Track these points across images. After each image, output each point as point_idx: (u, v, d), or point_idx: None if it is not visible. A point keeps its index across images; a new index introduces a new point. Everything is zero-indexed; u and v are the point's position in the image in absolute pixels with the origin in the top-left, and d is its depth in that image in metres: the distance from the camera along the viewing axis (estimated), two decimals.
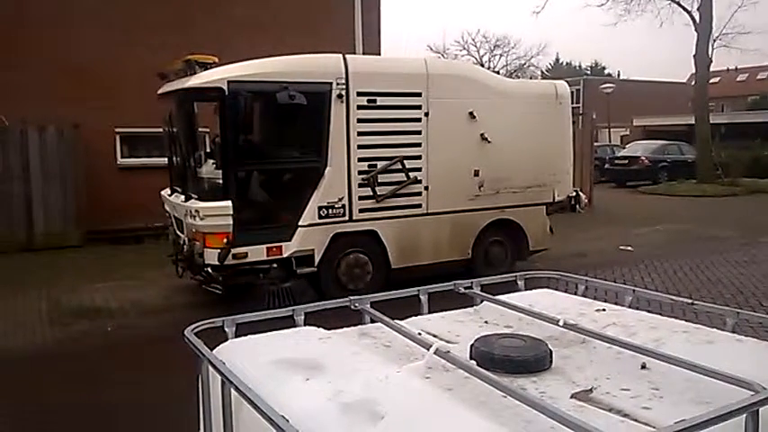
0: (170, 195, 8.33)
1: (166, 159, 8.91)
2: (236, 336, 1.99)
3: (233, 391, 1.50)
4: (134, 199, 10.93)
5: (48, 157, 11.57)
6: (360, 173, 7.78)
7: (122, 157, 12.98)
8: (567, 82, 9.93)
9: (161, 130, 8.74)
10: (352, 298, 2.20)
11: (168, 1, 12.46)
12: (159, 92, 8.18)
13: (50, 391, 5.40)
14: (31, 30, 11.46)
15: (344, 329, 2.06)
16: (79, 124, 11.57)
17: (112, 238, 11.62)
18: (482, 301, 2.33)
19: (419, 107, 8.13)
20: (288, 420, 1.27)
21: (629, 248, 11.37)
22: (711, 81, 27.59)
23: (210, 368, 1.64)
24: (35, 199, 11.50)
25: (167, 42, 10.51)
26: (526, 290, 2.58)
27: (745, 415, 1.27)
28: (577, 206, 9.86)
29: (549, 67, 57.25)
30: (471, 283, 2.45)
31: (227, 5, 12.79)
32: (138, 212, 10.92)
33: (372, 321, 2.09)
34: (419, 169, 8.16)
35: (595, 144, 21.03)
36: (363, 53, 12.39)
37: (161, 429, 4.19)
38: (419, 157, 8.16)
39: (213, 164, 7.86)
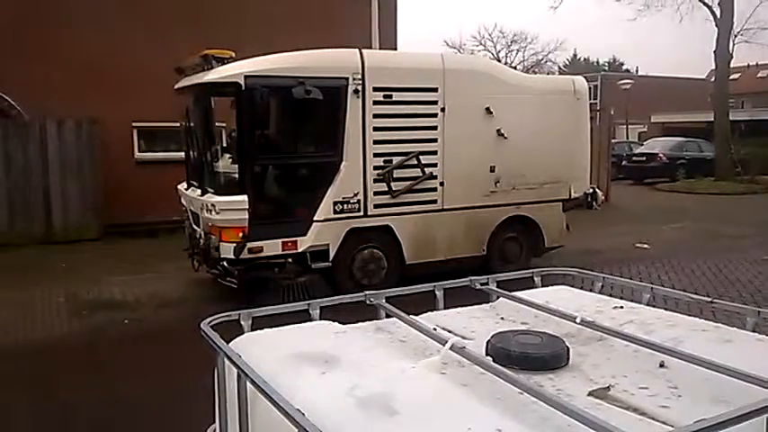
0: (186, 189, 8.38)
1: (183, 154, 8.96)
2: (252, 329, 2.00)
3: (249, 384, 1.50)
4: (151, 193, 11.02)
5: (66, 151, 11.70)
6: (375, 168, 7.78)
7: (140, 152, 13.07)
8: (584, 77, 9.85)
9: (178, 124, 8.80)
10: (367, 293, 2.21)
11: None
12: (176, 86, 8.22)
13: (69, 384, 5.46)
14: (49, 25, 11.57)
15: (360, 324, 2.06)
16: (97, 118, 11.67)
17: (130, 232, 11.72)
18: (498, 298, 2.33)
19: (435, 102, 8.10)
20: (304, 414, 1.27)
21: (646, 246, 11.27)
22: (731, 77, 27.24)
23: (227, 361, 1.65)
24: (53, 192, 11.63)
25: (185, 37, 10.57)
26: (543, 286, 2.57)
27: (766, 415, 1.25)
28: (594, 203, 9.83)
29: (567, 62, 56.84)
30: (487, 279, 2.44)
31: (245, 1, 12.82)
32: (155, 206, 11.00)
33: (388, 316, 2.09)
34: (435, 165, 8.13)
35: (613, 141, 20.87)
36: (380, 48, 12.37)
37: (176, 422, 4.22)
38: (435, 153, 8.14)
39: (230, 158, 7.90)
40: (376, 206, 7.84)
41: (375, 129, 7.73)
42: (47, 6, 11.67)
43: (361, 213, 7.76)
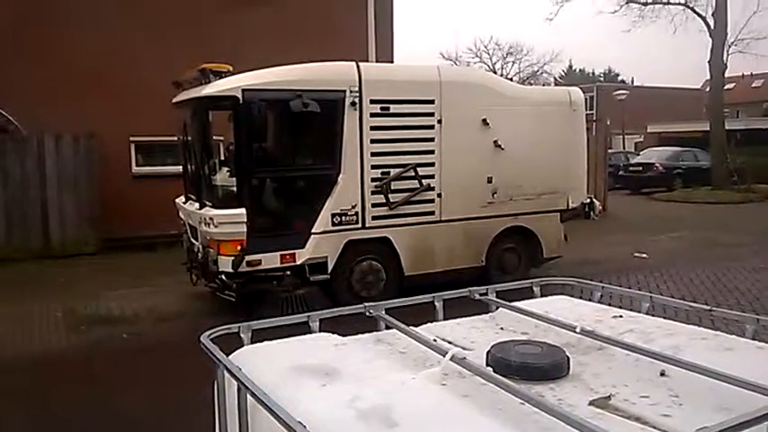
0: (184, 203, 8.38)
1: (181, 167, 8.97)
2: (252, 342, 2.00)
3: (249, 396, 1.50)
4: (149, 207, 11.01)
5: (64, 166, 11.70)
6: (373, 180, 7.79)
7: (137, 166, 13.07)
8: (580, 89, 9.89)
9: (176, 138, 8.81)
10: (367, 305, 2.20)
11: (184, 10, 12.57)
12: (174, 100, 8.25)
13: (68, 398, 5.43)
14: (47, 38, 11.59)
15: (360, 336, 2.06)
16: (95, 132, 11.69)
17: (127, 246, 11.69)
18: (497, 308, 2.32)
19: (432, 114, 8.13)
20: (305, 426, 1.27)
21: (644, 256, 11.28)
22: (726, 87, 27.35)
23: (227, 374, 1.64)
24: (51, 206, 11.62)
25: (182, 51, 10.60)
26: (542, 296, 2.57)
27: (767, 422, 1.25)
28: (591, 213, 9.84)
29: (563, 73, 57.10)
30: (486, 289, 2.44)
31: (242, 15, 12.88)
32: (153, 220, 10.99)
33: (387, 328, 2.09)
34: (432, 176, 8.15)
35: (609, 151, 20.93)
36: (376, 61, 12.42)
37: None
38: (432, 165, 8.15)
39: (227, 172, 7.90)
40: (374, 218, 7.84)
41: (372, 141, 7.75)
42: (44, 19, 11.70)
43: (360, 225, 7.76)
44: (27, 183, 11.49)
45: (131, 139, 12.69)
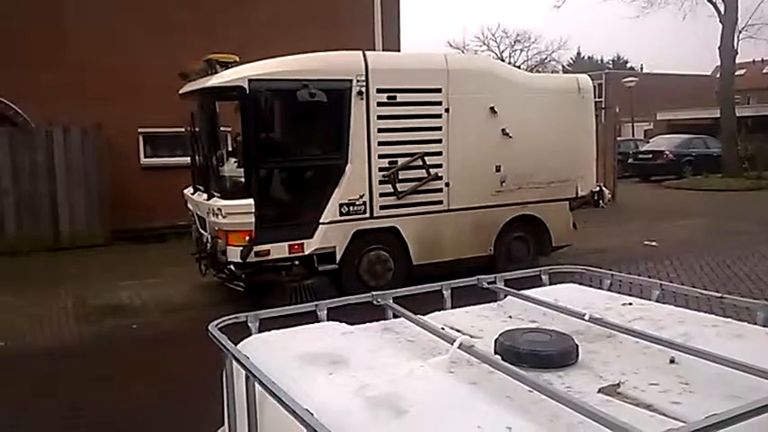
0: (193, 194, 8.40)
1: (189, 158, 8.99)
2: (260, 331, 2.00)
3: (257, 385, 1.50)
4: (157, 198, 11.05)
5: (72, 158, 11.75)
6: (380, 170, 7.78)
7: (146, 157, 13.12)
8: (589, 76, 9.82)
9: (183, 129, 8.82)
10: (374, 293, 2.20)
11: (190, 1, 12.55)
12: (181, 91, 8.25)
13: (78, 388, 5.47)
14: (55, 31, 11.63)
15: (368, 324, 2.05)
16: (103, 124, 11.72)
17: (137, 237, 11.76)
18: (506, 296, 2.31)
19: (439, 103, 8.10)
20: (313, 414, 1.27)
21: (654, 244, 11.23)
22: (737, 73, 27.06)
23: (235, 363, 1.64)
24: (60, 199, 11.68)
25: (189, 42, 10.60)
26: (550, 285, 2.55)
27: None
28: (601, 201, 9.77)
29: (571, 61, 56.68)
30: (495, 277, 2.43)
31: (248, 5, 12.85)
32: (162, 211, 11.03)
33: (395, 317, 2.09)
34: (440, 165, 8.13)
35: (618, 138, 20.80)
36: (383, 50, 12.37)
37: (185, 425, 4.23)
38: (440, 154, 8.13)
39: (235, 162, 7.91)
40: (382, 207, 7.84)
41: (380, 130, 7.74)
42: (51, 13, 11.72)
43: (367, 215, 7.76)
44: (36, 175, 11.55)
45: (139, 130, 12.72)
